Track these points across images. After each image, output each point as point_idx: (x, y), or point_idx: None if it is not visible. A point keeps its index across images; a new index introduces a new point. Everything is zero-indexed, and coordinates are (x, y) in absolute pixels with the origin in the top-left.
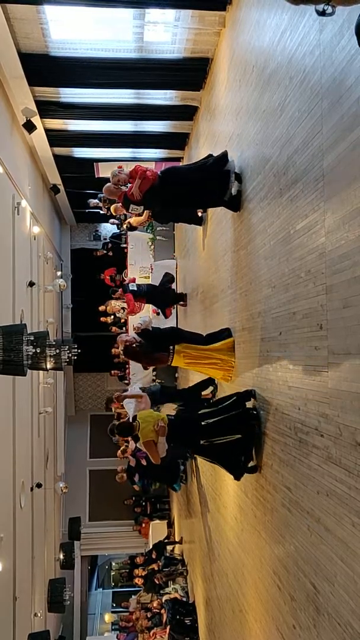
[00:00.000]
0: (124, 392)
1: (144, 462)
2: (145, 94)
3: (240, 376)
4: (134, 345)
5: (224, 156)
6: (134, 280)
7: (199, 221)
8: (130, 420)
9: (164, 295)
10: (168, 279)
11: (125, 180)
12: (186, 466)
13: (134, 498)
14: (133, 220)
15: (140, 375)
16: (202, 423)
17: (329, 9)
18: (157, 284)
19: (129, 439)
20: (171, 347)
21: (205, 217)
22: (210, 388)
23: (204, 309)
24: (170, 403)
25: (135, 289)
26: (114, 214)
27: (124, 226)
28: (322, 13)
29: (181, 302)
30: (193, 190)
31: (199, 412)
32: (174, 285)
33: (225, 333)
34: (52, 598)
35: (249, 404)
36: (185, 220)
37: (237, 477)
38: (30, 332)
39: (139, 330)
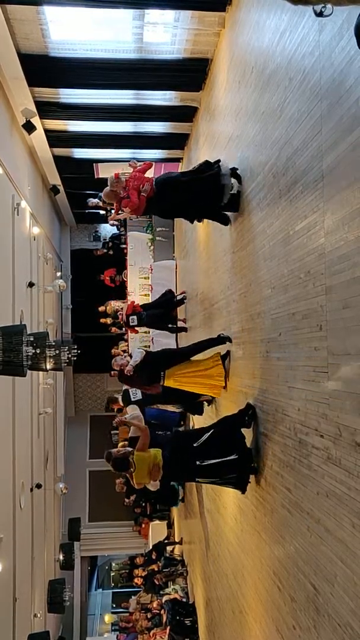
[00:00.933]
0: (125, 416)
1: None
2: (144, 94)
3: (239, 378)
4: (128, 370)
5: (217, 174)
6: (132, 305)
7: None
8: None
9: (164, 321)
10: (168, 297)
11: (123, 186)
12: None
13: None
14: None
15: None
16: (197, 463)
17: (327, 10)
18: (156, 307)
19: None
20: (162, 373)
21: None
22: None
23: (203, 309)
24: (171, 404)
25: (136, 323)
26: (106, 201)
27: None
28: (319, 14)
29: (181, 330)
30: (191, 200)
31: (194, 445)
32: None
33: (216, 341)
34: (51, 599)
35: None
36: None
37: (243, 491)
38: (30, 333)
39: (132, 371)
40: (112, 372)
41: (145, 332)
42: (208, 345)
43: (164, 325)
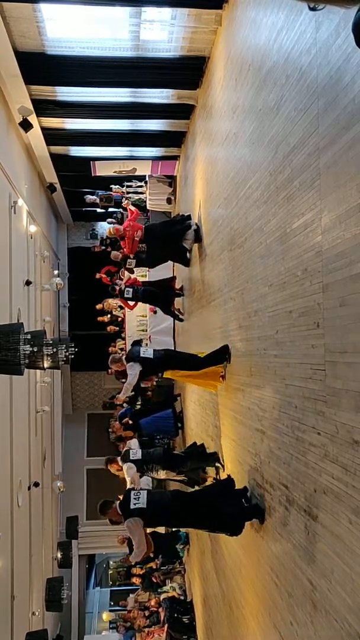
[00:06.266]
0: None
1: None
2: (141, 92)
3: (237, 375)
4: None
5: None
6: (132, 280)
7: (187, 262)
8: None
9: (160, 300)
10: (165, 281)
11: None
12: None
13: None
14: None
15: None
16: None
17: (320, 5)
18: (155, 286)
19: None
20: (160, 373)
21: (191, 257)
22: (213, 469)
23: (200, 307)
24: (171, 470)
25: (131, 295)
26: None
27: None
28: (312, 8)
29: (178, 317)
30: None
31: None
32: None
33: (220, 356)
34: (49, 597)
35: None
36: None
37: (237, 532)
38: (27, 331)
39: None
40: (110, 370)
41: (142, 330)
42: (211, 360)
43: (160, 304)
